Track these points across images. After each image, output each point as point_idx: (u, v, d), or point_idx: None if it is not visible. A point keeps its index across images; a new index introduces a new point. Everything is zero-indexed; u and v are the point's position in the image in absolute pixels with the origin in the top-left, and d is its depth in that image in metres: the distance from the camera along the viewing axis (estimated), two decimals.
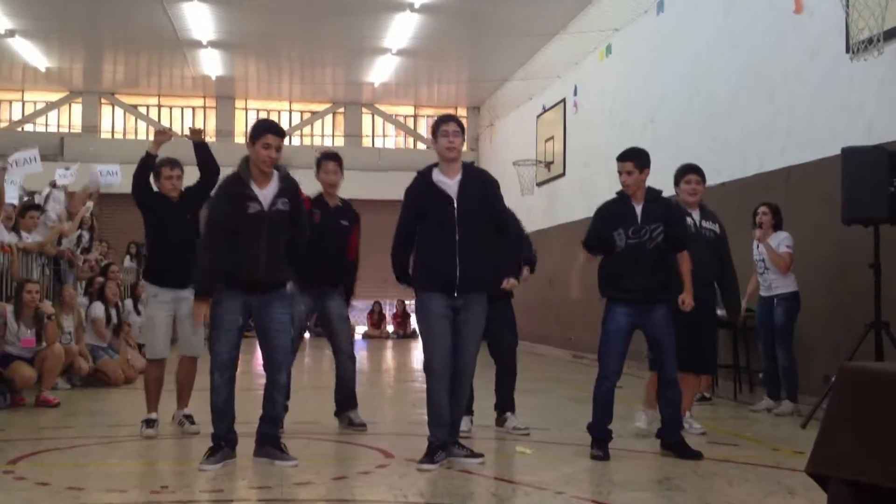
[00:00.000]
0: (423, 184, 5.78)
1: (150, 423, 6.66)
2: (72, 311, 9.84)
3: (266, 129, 5.61)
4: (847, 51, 8.52)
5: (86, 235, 11.79)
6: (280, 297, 5.70)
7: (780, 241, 8.38)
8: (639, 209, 6.16)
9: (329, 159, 7.15)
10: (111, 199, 20.13)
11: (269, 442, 5.64)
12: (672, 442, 6.12)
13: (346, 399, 7.23)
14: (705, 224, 7.06)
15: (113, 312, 10.84)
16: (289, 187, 5.70)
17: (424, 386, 5.64)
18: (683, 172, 7.27)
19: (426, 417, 5.64)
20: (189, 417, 6.85)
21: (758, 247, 8.47)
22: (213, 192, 6.15)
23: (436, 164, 5.87)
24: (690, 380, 6.92)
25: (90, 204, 11.37)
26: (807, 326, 8.49)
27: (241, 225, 5.54)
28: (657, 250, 6.11)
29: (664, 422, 6.23)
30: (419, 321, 5.83)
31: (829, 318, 8.60)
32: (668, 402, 6.18)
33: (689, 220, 6.91)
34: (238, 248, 5.53)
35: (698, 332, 6.76)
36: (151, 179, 6.87)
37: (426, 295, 5.66)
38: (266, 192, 5.61)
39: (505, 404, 7.18)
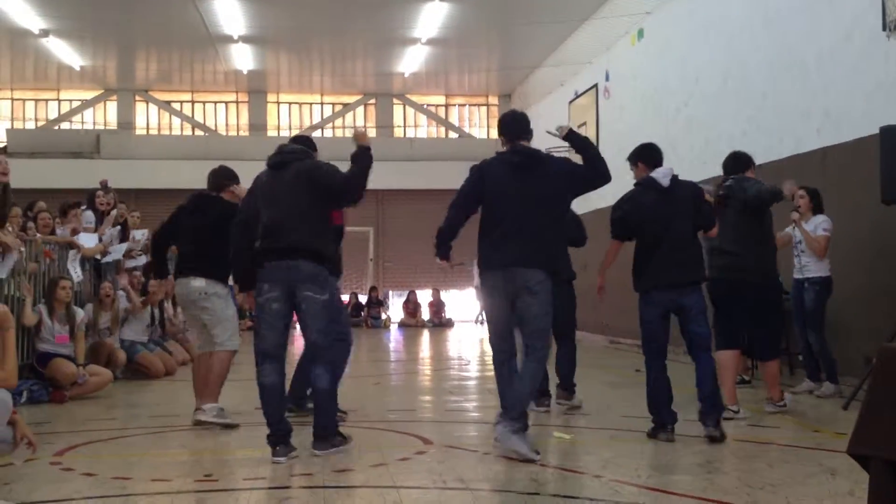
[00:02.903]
0: None
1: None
2: (110, 309, 9.98)
3: None
4: (883, 29, 8.42)
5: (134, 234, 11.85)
6: None
7: (818, 224, 8.22)
8: None
9: None
10: (148, 194, 20.37)
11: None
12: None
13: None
14: None
15: (156, 312, 10.99)
16: None
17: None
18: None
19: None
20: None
21: (794, 229, 8.38)
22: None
23: None
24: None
25: (122, 206, 11.45)
26: (847, 308, 8.41)
27: None
28: None
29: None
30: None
31: (870, 299, 8.52)
32: None
33: None
34: None
35: None
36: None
37: None
38: None
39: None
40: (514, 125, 5.88)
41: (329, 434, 5.59)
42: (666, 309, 6.20)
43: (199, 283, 6.84)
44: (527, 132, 5.86)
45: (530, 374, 5.62)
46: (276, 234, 5.58)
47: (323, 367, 5.60)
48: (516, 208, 5.61)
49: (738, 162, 7.41)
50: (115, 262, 11.00)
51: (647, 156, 6.51)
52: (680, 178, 6.43)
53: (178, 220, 7.16)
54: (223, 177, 7.07)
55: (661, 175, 6.32)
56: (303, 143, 6.15)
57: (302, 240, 5.54)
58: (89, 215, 10.81)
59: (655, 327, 6.23)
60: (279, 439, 5.46)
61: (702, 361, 6.13)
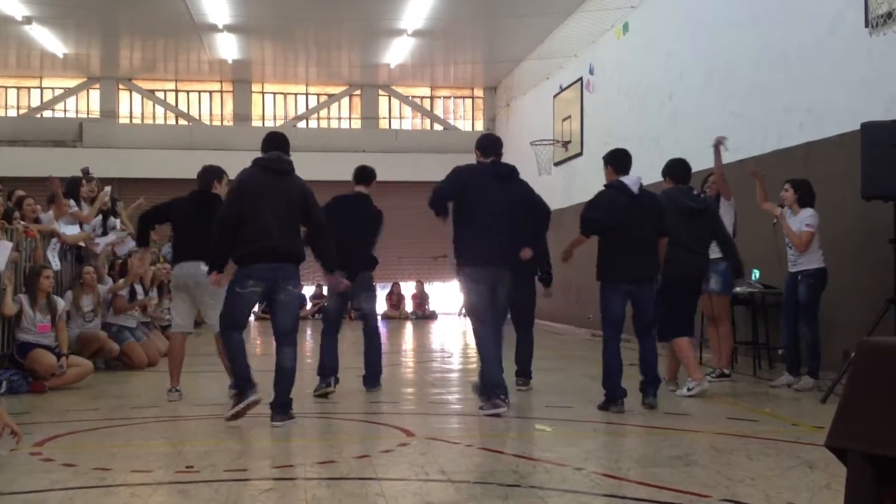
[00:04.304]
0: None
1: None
2: (92, 291, 9.95)
3: None
4: (866, 25, 8.46)
5: (113, 221, 11.76)
6: None
7: (802, 220, 8.18)
8: None
9: None
10: (131, 183, 20.24)
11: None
12: None
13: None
14: None
15: (138, 288, 10.98)
16: None
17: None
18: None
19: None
20: None
21: (774, 222, 8.41)
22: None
23: None
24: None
25: (108, 189, 11.41)
26: (827, 302, 8.44)
27: None
28: None
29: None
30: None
31: (849, 293, 8.57)
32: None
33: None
34: None
35: None
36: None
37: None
38: None
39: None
40: (497, 146, 7.18)
41: (288, 408, 6.36)
42: (627, 297, 7.14)
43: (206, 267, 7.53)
44: (501, 153, 7.16)
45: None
46: (270, 238, 6.29)
47: (291, 348, 6.45)
48: (501, 213, 6.75)
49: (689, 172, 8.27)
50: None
51: (616, 161, 7.36)
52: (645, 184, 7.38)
53: (175, 209, 7.82)
54: (214, 174, 7.88)
55: (631, 182, 7.17)
56: (283, 149, 6.67)
57: (292, 248, 6.42)
58: (71, 205, 10.73)
59: (619, 312, 7.16)
60: (248, 385, 6.33)
61: (647, 343, 7.22)
